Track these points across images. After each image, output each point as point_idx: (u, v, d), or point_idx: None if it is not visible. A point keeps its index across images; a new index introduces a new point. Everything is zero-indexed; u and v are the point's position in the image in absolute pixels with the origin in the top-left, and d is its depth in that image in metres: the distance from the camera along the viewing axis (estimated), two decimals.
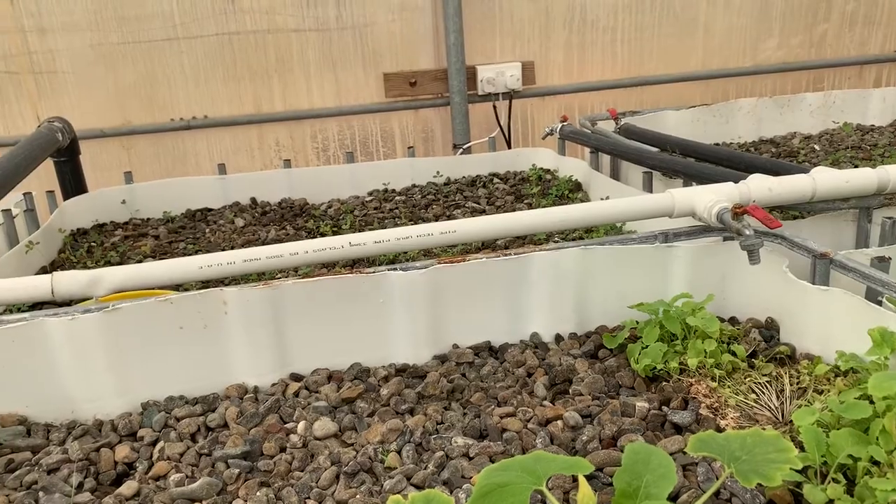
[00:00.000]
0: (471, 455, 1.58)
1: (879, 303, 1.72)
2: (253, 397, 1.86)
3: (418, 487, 1.49)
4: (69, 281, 1.89)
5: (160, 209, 3.47)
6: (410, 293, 1.96)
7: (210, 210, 3.51)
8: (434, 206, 3.38)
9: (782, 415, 1.63)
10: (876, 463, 1.30)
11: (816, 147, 3.68)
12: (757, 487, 1.41)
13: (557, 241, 2.46)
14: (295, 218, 3.39)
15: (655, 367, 1.80)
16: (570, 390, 1.80)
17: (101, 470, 1.62)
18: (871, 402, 1.41)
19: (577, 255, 2.00)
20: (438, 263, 1.98)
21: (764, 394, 1.69)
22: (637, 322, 1.97)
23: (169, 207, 3.47)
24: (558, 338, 2.06)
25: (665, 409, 1.68)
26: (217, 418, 1.77)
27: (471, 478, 1.50)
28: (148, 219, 3.45)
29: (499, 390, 1.82)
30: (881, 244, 2.17)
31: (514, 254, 2.01)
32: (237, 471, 1.56)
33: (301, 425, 1.72)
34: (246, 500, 1.49)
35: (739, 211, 1.92)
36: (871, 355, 1.58)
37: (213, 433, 1.73)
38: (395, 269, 1.96)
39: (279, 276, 2.31)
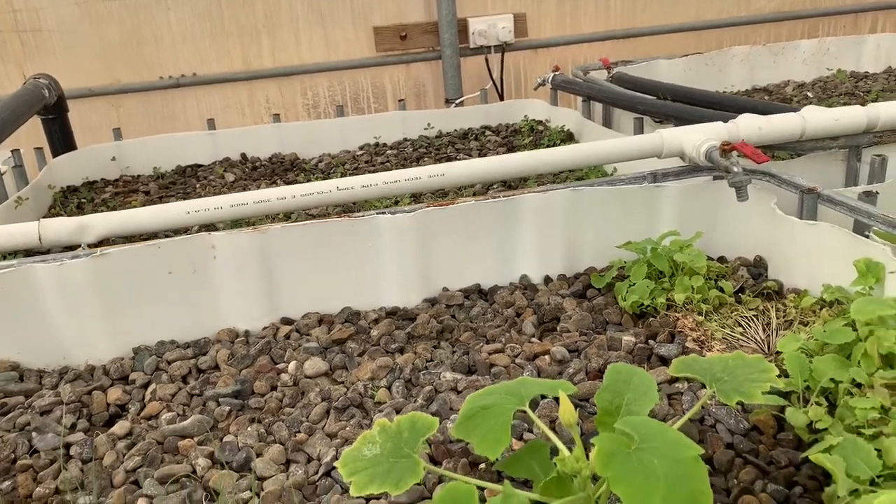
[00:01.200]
0: (459, 389, 1.59)
1: (867, 237, 1.73)
2: (244, 340, 1.87)
3: None
4: (57, 227, 1.89)
5: (150, 165, 3.45)
6: (399, 237, 1.96)
7: (200, 166, 3.49)
8: (425, 159, 3.36)
9: (768, 347, 1.64)
10: (857, 385, 1.32)
11: (810, 94, 3.66)
12: (741, 413, 1.43)
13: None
14: (285, 172, 3.37)
15: (643, 304, 1.81)
16: (558, 328, 1.81)
17: (94, 412, 1.64)
18: (854, 329, 1.42)
19: (566, 197, 2.00)
20: (428, 206, 1.97)
21: (750, 327, 1.70)
22: (625, 262, 1.97)
23: (159, 163, 3.45)
24: (547, 279, 2.07)
25: (651, 342, 1.69)
26: (208, 361, 1.78)
27: (458, 410, 1.52)
28: (138, 175, 3.44)
29: (487, 329, 1.83)
30: (870, 182, 2.17)
31: (504, 196, 2.00)
32: (228, 408, 1.57)
33: (292, 365, 1.73)
34: (237, 435, 1.50)
35: (728, 148, 1.92)
36: (856, 286, 1.59)
37: (204, 375, 1.74)
38: (384, 212, 1.96)
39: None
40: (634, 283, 1.84)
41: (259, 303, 1.94)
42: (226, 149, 3.54)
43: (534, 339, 1.77)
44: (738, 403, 1.48)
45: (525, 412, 1.12)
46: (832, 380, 1.34)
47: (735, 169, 1.87)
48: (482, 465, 1.35)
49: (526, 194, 2.00)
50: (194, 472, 1.41)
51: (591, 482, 1.04)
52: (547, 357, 1.67)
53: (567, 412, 1.03)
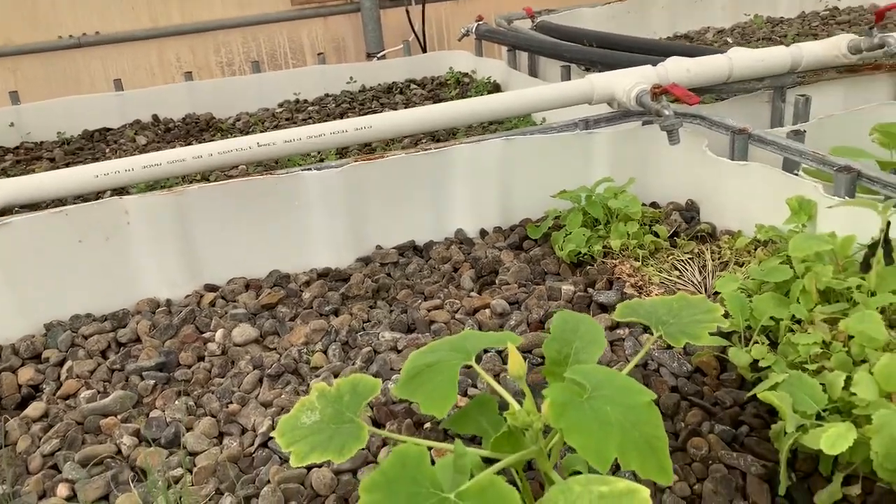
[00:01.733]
0: (399, 348, 1.53)
1: (796, 175, 1.74)
2: (166, 310, 1.76)
3: None
4: None
5: (54, 131, 3.22)
6: (328, 194, 1.87)
7: (109, 130, 3.28)
8: (349, 115, 3.24)
9: (705, 288, 1.64)
10: (797, 321, 1.32)
11: (729, 40, 3.69)
12: (684, 356, 1.42)
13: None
14: (201, 133, 3.20)
15: (580, 252, 1.78)
16: (497, 281, 1.77)
17: (4, 394, 1.51)
18: (791, 267, 1.43)
19: (499, 147, 1.94)
20: (355, 161, 1.89)
21: (687, 270, 1.69)
22: (560, 212, 1.94)
23: (63, 128, 3.23)
24: (483, 233, 2.02)
25: (591, 290, 1.67)
26: (128, 333, 1.67)
27: (399, 370, 1.47)
28: (41, 142, 3.21)
29: (425, 286, 1.77)
30: (795, 123, 2.19)
31: (435, 148, 1.93)
32: (153, 382, 1.48)
33: (219, 333, 1.63)
34: (164, 410, 1.41)
35: (658, 91, 1.89)
36: (789, 224, 1.60)
37: (124, 348, 1.63)
38: (310, 168, 1.87)
39: None
40: (570, 233, 1.81)
41: (180, 270, 1.82)
42: (136, 111, 3.34)
43: (473, 294, 1.72)
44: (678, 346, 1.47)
45: (471, 367, 1.07)
46: (772, 318, 1.34)
47: (666, 112, 1.85)
48: (427, 425, 1.30)
49: (457, 145, 1.94)
50: (119, 451, 1.32)
51: (542, 435, 1.01)
52: (487, 311, 1.63)
53: (516, 364, 0.99)
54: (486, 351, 1.46)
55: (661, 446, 0.92)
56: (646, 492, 0.83)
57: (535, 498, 1.09)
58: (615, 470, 1.15)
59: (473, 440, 1.23)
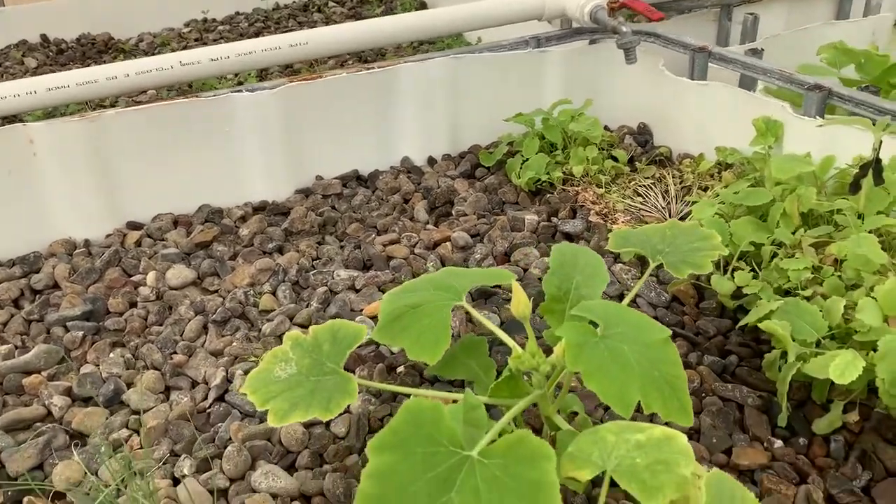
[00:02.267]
0: (357, 287, 1.41)
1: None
2: (85, 252, 1.57)
3: (303, 327, 1.32)
4: None
5: None
6: (261, 119, 1.69)
7: None
8: (264, 34, 3.00)
9: (670, 214, 1.59)
10: (779, 246, 1.28)
11: None
12: (659, 285, 1.37)
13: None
14: (100, 55, 2.89)
15: (539, 180, 1.69)
16: (453, 212, 1.66)
17: None
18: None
19: (447, 65, 1.80)
20: (291, 82, 1.71)
21: (650, 195, 1.63)
22: (514, 137, 1.83)
23: None
24: (431, 160, 1.89)
25: (554, 219, 1.59)
26: (44, 279, 1.47)
27: (361, 310, 1.35)
28: None
29: (376, 219, 1.65)
30: (742, 42, 2.14)
31: (379, 67, 1.78)
32: (80, 333, 1.30)
33: (151, 276, 1.46)
34: (97, 364, 1.25)
35: (616, 6, 1.79)
36: (754, 145, 1.55)
37: (41, 296, 1.44)
38: (241, 90, 1.68)
39: None
40: (528, 159, 1.71)
41: (97, 206, 1.62)
42: (20, 29, 2.97)
43: (430, 226, 1.61)
44: (651, 275, 1.42)
45: (461, 307, 0.97)
46: (752, 243, 1.30)
47: (624, 29, 1.75)
48: (400, 370, 1.20)
49: (402, 64, 1.78)
50: (50, 414, 1.16)
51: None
52: (448, 244, 1.52)
53: (521, 303, 0.89)
54: None
55: (682, 385, 0.86)
56: (683, 437, 0.76)
57: None
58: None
59: (453, 384, 1.14)
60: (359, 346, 1.25)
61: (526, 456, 0.71)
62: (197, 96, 1.67)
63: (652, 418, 1.01)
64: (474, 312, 0.98)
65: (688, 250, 1.07)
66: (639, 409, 0.81)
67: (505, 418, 0.82)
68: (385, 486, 0.70)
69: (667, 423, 0.98)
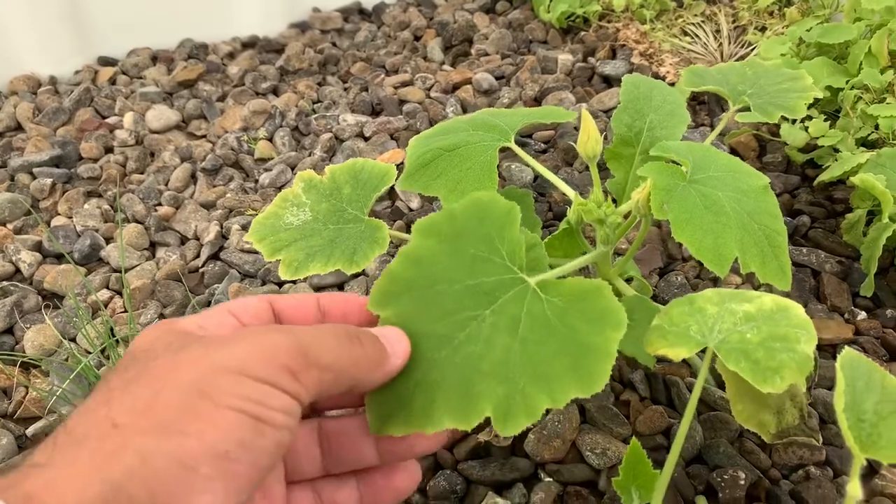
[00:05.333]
0: (367, 134, 1.23)
1: None
2: (51, 90, 1.36)
3: None
4: None
5: None
6: None
7: None
8: None
9: (721, 56, 1.39)
10: (863, 91, 1.10)
11: None
12: (718, 138, 1.19)
13: None
14: None
15: (572, 15, 1.47)
16: (473, 51, 1.45)
17: None
18: None
19: None
20: None
21: (700, 35, 1.43)
22: None
23: None
24: None
25: (591, 60, 1.39)
26: (4, 120, 1.28)
27: (373, 160, 1.17)
28: None
29: (385, 58, 1.44)
30: None
31: None
32: (49, 181, 1.12)
33: (128, 118, 1.27)
34: (71, 216, 1.08)
35: None
36: None
37: (2, 139, 1.25)
38: None
39: None
40: None
41: (64, 38, 1.41)
42: None
43: (446, 67, 1.41)
44: (707, 125, 1.24)
45: (509, 149, 0.80)
46: (828, 88, 1.12)
47: None
48: None
49: None
50: (18, 271, 1.00)
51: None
52: (469, 87, 1.33)
53: (591, 139, 0.72)
54: None
55: (782, 242, 0.70)
56: (800, 308, 0.61)
57: None
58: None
59: None
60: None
61: (595, 312, 0.55)
62: None
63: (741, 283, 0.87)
64: (524, 154, 0.80)
65: (775, 91, 0.88)
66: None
67: (569, 265, 0.66)
68: (419, 272, 0.55)
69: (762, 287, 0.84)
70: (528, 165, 1.06)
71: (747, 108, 0.87)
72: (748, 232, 0.68)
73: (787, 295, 0.92)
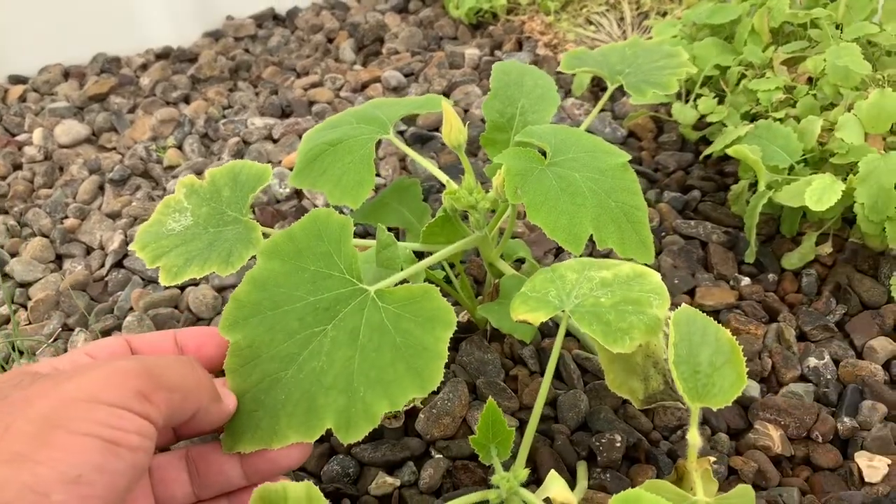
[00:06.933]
0: (275, 136, 1.25)
1: None
2: None
3: None
4: None
5: None
6: None
7: None
8: None
9: None
10: (747, 67, 1.14)
11: None
12: (614, 120, 1.23)
13: None
14: None
15: (480, 10, 1.50)
16: (384, 50, 1.48)
17: None
18: None
19: None
20: None
21: (604, 23, 1.47)
22: None
23: None
24: None
25: (498, 53, 1.42)
26: None
27: (280, 161, 1.19)
28: None
29: (296, 61, 1.45)
30: None
31: None
32: None
33: (37, 134, 1.27)
34: None
35: None
36: None
37: None
38: None
39: None
40: None
41: None
42: None
43: (357, 66, 1.43)
44: (605, 109, 1.28)
45: (385, 141, 0.82)
46: (717, 66, 1.16)
47: None
48: None
49: None
50: None
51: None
52: (378, 85, 1.35)
53: (454, 129, 0.75)
54: None
55: (642, 217, 0.74)
56: (656, 275, 0.64)
57: (475, 294, 0.90)
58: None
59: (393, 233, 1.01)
60: (280, 201, 1.11)
61: (426, 315, 0.58)
62: None
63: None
64: (400, 144, 0.83)
65: (650, 69, 0.92)
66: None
67: (427, 260, 0.69)
68: (264, 295, 0.59)
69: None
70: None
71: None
72: (605, 210, 0.71)
73: (675, 267, 0.96)
